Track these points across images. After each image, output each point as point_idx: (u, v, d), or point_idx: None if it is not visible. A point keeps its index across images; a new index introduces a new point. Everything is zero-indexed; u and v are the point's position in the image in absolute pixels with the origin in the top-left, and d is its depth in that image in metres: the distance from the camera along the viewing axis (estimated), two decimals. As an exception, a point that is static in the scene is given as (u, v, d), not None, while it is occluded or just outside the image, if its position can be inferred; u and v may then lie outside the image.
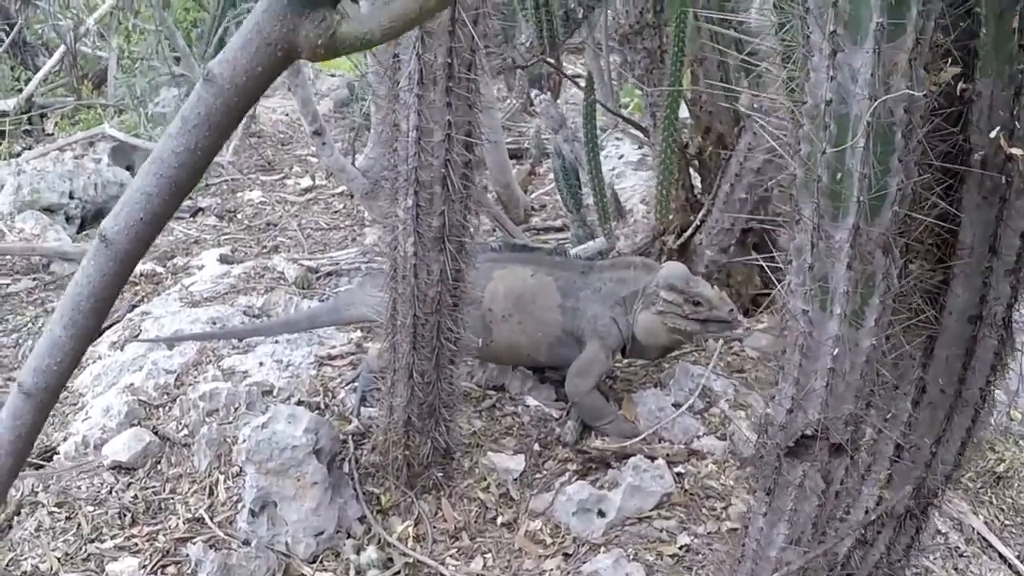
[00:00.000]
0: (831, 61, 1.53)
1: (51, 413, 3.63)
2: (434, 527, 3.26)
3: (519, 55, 4.66)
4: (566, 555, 3.14)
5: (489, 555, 3.16)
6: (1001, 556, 3.37)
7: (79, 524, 3.27)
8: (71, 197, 6.34)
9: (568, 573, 3.05)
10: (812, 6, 1.53)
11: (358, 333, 4.29)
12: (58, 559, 3.13)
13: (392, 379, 3.22)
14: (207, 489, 3.39)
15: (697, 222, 4.34)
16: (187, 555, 3.09)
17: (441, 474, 3.39)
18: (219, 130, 1.17)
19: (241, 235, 6.06)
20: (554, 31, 4.41)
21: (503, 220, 5.23)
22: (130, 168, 7.07)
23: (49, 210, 6.19)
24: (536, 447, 3.57)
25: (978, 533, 3.43)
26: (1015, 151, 1.69)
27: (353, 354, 4.13)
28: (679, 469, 3.43)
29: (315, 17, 1.10)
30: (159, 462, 3.53)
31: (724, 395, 3.80)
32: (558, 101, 5.44)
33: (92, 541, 3.21)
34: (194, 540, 3.16)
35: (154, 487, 3.43)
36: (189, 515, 3.29)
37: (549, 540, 3.20)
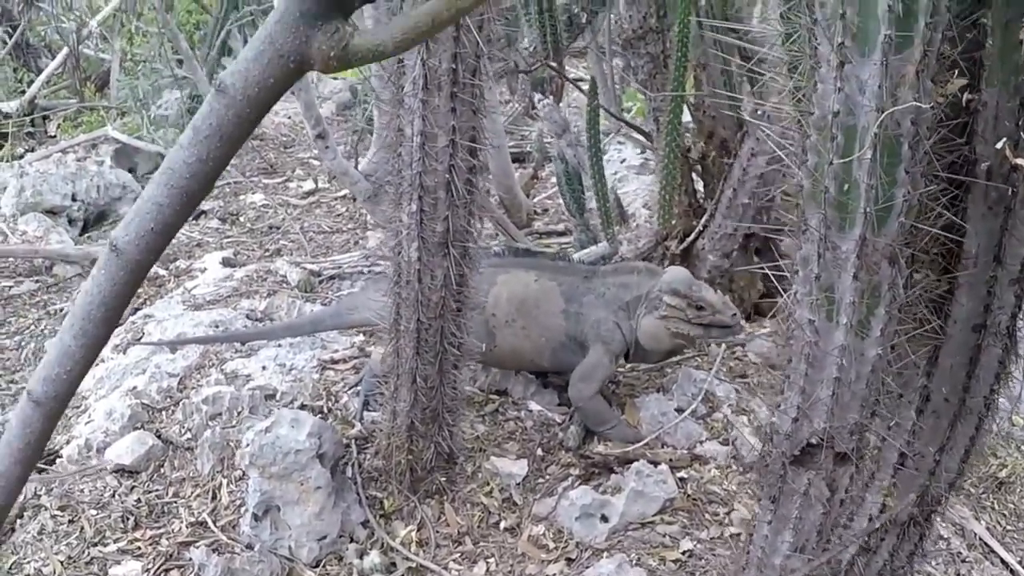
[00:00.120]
0: (839, 72, 1.53)
1: (55, 417, 3.63)
2: (437, 532, 3.26)
3: (522, 59, 4.66)
4: (569, 560, 3.14)
5: (492, 560, 3.16)
6: (1003, 562, 3.37)
7: (82, 527, 3.27)
8: (74, 199, 6.34)
9: (571, 578, 3.05)
10: (820, 18, 1.54)
11: (360, 337, 4.29)
12: (61, 563, 3.13)
13: (395, 383, 3.22)
14: (210, 493, 3.39)
15: (700, 227, 4.35)
16: (190, 559, 3.09)
17: (444, 479, 3.39)
18: (231, 141, 1.18)
19: (243, 238, 6.06)
20: (558, 36, 4.42)
21: (506, 224, 5.23)
22: (132, 170, 7.08)
23: (52, 212, 6.18)
24: (539, 452, 3.58)
25: (980, 539, 3.43)
26: (1020, 161, 1.69)
27: (356, 358, 4.13)
28: (682, 474, 3.44)
29: (327, 29, 1.11)
30: (162, 466, 3.54)
31: (727, 400, 3.81)
32: (560, 105, 5.43)
33: (95, 545, 3.21)
34: (197, 544, 3.17)
35: (157, 491, 3.43)
36: (192, 519, 3.29)
37: (552, 545, 3.20)
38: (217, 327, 4.37)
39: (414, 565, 3.12)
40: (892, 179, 1.58)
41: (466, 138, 2.81)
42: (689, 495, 3.36)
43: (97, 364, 4.22)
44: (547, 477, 3.47)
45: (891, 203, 1.60)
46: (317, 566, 3.13)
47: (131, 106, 7.37)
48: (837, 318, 1.74)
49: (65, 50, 8.06)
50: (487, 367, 3.88)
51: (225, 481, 3.41)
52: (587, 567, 3.07)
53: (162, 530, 3.26)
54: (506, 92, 8.14)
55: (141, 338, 4.38)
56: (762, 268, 3.38)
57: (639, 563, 3.07)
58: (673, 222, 4.43)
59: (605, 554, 3.13)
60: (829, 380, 1.81)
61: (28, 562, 3.15)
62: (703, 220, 4.35)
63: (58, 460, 3.62)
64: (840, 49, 1.52)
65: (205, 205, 6.66)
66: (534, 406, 3.81)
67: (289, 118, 8.78)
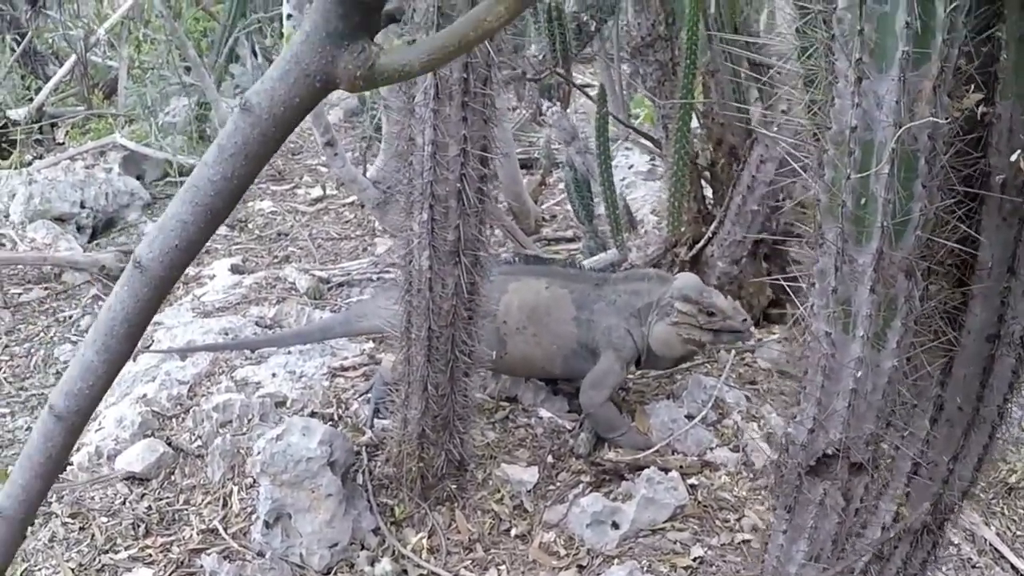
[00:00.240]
0: (857, 88, 1.54)
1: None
2: (448, 539, 3.27)
3: (530, 66, 4.67)
4: (580, 567, 3.15)
5: (503, 567, 3.17)
6: (1013, 567, 3.36)
7: (93, 535, 3.28)
8: (82, 206, 6.35)
9: (582, 585, 3.06)
10: (838, 33, 1.55)
11: (370, 344, 4.30)
12: (72, 570, 3.14)
13: (406, 391, 3.23)
14: (221, 500, 3.40)
15: (709, 234, 4.35)
16: (201, 566, 3.10)
17: (455, 486, 3.40)
18: (255, 159, 1.19)
19: (252, 245, 6.07)
20: (567, 43, 4.43)
21: (514, 231, 5.24)
22: (140, 178, 7.10)
23: (60, 219, 6.19)
24: (550, 459, 3.59)
25: (990, 544, 3.43)
26: (1034, 173, 1.70)
27: (366, 365, 4.14)
28: (692, 481, 3.45)
29: (354, 49, 1.12)
30: (173, 473, 3.55)
31: (737, 407, 3.81)
32: (568, 111, 5.44)
33: (106, 552, 3.22)
34: (208, 551, 3.18)
35: (168, 498, 3.44)
36: (203, 526, 3.30)
37: (563, 552, 3.21)
38: (226, 334, 4.38)
39: (425, 572, 3.13)
40: (909, 193, 1.59)
41: (477, 147, 2.81)
42: (700, 502, 3.37)
43: (107, 371, 4.23)
44: (558, 484, 3.47)
45: (908, 217, 1.60)
46: (328, 573, 3.13)
47: (139, 113, 7.38)
48: (854, 331, 1.75)
49: (73, 57, 8.08)
50: (497, 374, 3.88)
51: (236, 488, 3.42)
52: (598, 574, 3.08)
53: (173, 537, 3.27)
54: (514, 99, 8.14)
55: (151, 346, 4.40)
56: (777, 279, 3.38)
57: (650, 570, 3.07)
58: (682, 229, 4.43)
59: (616, 561, 3.14)
60: (845, 392, 1.82)
61: (39, 569, 3.16)
62: (712, 227, 4.35)
63: (69, 468, 3.63)
64: (858, 65, 1.52)
65: (212, 211, 6.65)
66: (544, 413, 3.82)
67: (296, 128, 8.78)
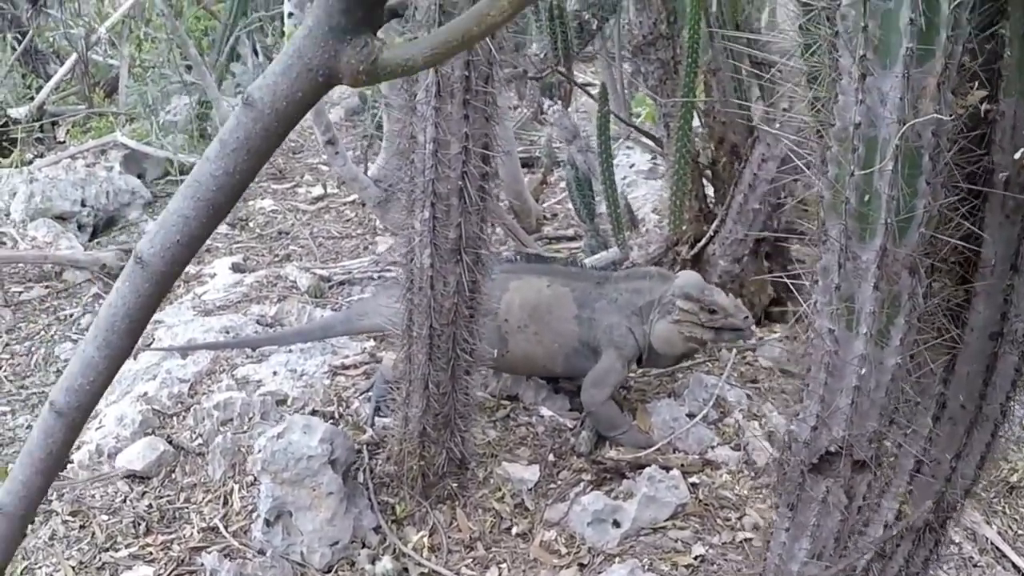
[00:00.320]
0: (860, 84, 1.54)
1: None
2: (449, 537, 3.26)
3: (532, 64, 4.66)
4: (581, 565, 3.14)
5: (504, 565, 3.16)
6: (1015, 566, 3.36)
7: (93, 533, 3.28)
8: (83, 205, 6.35)
9: (583, 584, 3.06)
10: (841, 30, 1.54)
11: (371, 343, 4.29)
12: (72, 568, 3.14)
13: (408, 390, 3.22)
14: (222, 498, 3.40)
15: (711, 232, 4.35)
16: (202, 564, 3.10)
17: (456, 484, 3.39)
18: (258, 155, 1.18)
19: (253, 244, 6.06)
20: (568, 42, 4.43)
21: (515, 230, 5.24)
22: (141, 176, 7.10)
23: (61, 218, 6.19)
24: (551, 457, 3.58)
25: (992, 543, 3.43)
26: (1038, 170, 1.70)
27: (367, 364, 4.14)
28: (694, 479, 3.44)
29: (357, 43, 1.11)
30: (173, 471, 3.54)
31: (738, 405, 3.81)
32: (569, 110, 5.44)
33: (106, 550, 3.22)
34: (209, 549, 3.17)
35: (168, 496, 3.44)
36: (204, 524, 3.30)
37: (564, 550, 3.21)
38: (227, 333, 4.37)
39: (426, 571, 3.12)
40: (913, 190, 1.58)
41: (479, 145, 2.81)
42: (701, 500, 3.36)
43: (108, 370, 4.22)
44: (559, 482, 3.47)
45: (912, 214, 1.60)
46: (329, 572, 3.13)
47: (140, 112, 7.38)
48: (857, 328, 1.75)
49: (74, 56, 8.07)
50: (499, 373, 3.88)
51: (237, 487, 3.42)
52: (599, 572, 3.07)
53: (173, 535, 3.27)
54: (515, 98, 8.14)
55: (151, 344, 4.39)
56: (780, 276, 3.38)
57: (651, 568, 3.07)
58: (684, 227, 4.43)
59: (617, 559, 3.13)
60: (849, 389, 1.81)
61: (39, 567, 3.16)
62: (714, 225, 4.35)
63: (69, 466, 3.62)
64: (862, 61, 1.52)
65: (213, 210, 6.65)
66: (545, 411, 3.82)
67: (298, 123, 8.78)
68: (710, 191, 4.58)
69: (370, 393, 3.81)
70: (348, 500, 3.22)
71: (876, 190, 1.59)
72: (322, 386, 3.95)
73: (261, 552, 3.15)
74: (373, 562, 3.14)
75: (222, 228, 6.36)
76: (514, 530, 3.30)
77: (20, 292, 5.54)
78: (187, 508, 3.38)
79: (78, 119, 7.93)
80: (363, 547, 3.23)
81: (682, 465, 3.47)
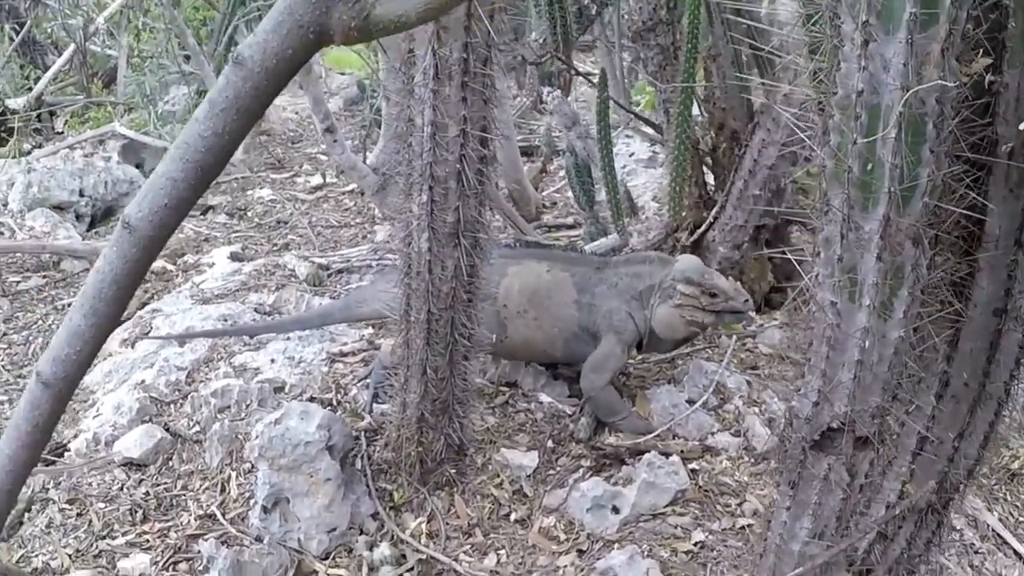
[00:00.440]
0: (863, 51, 1.51)
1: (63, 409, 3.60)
2: (447, 523, 3.24)
3: (531, 51, 4.64)
4: (580, 551, 3.12)
5: (503, 551, 3.14)
6: (1016, 553, 3.35)
7: (90, 521, 3.26)
8: (81, 195, 6.35)
9: (582, 569, 3.03)
10: (844, -4, 1.52)
11: (370, 330, 4.28)
12: (69, 556, 3.12)
13: (405, 375, 3.20)
14: (219, 486, 3.38)
15: (710, 219, 4.33)
16: (199, 551, 3.07)
17: (454, 470, 3.37)
18: (248, 114, 1.16)
19: (251, 233, 6.05)
20: (567, 28, 4.40)
21: (515, 218, 5.22)
22: (140, 166, 7.08)
23: (59, 208, 6.19)
24: (550, 443, 3.56)
25: (993, 530, 3.42)
26: (1042, 142, 1.67)
27: (365, 351, 4.12)
28: (693, 465, 3.42)
29: (348, -1, 1.09)
30: (170, 459, 3.52)
31: (738, 391, 3.79)
32: (569, 99, 5.42)
33: (103, 538, 3.20)
34: (206, 536, 3.15)
35: (166, 484, 3.42)
36: (201, 512, 3.28)
37: (563, 536, 3.19)
38: (225, 321, 4.36)
39: (424, 557, 3.10)
40: (917, 158, 1.56)
41: (477, 128, 2.79)
42: (701, 486, 3.34)
43: (105, 358, 4.22)
44: (558, 469, 3.45)
45: (915, 183, 1.57)
46: (327, 558, 3.11)
47: (138, 102, 7.38)
48: (860, 300, 1.72)
49: (72, 47, 8.06)
50: (497, 359, 3.86)
51: (234, 474, 3.40)
52: (598, 559, 3.05)
53: (171, 523, 3.25)
54: (514, 86, 8.12)
55: (149, 332, 4.37)
56: (782, 252, 3.35)
57: (651, 554, 3.05)
58: (684, 214, 4.41)
59: (616, 545, 3.11)
60: (851, 363, 1.79)
61: (36, 555, 3.14)
62: (713, 212, 4.33)
63: (66, 453, 3.61)
64: (865, 27, 1.50)
65: (213, 200, 6.66)
66: (544, 398, 3.80)
67: (296, 113, 8.78)
68: (710, 178, 4.56)
69: (368, 380, 3.79)
70: (346, 486, 3.20)
71: (879, 158, 1.57)
72: (320, 373, 3.93)
73: (258, 539, 3.13)
74: (371, 548, 3.12)
75: (221, 218, 6.36)
76: (513, 516, 3.28)
77: (18, 282, 5.53)
78: (184, 495, 3.36)
79: (76, 109, 7.92)
80: (361, 533, 3.21)
81: (682, 451, 3.45)
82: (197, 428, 3.64)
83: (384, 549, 3.10)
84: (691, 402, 3.69)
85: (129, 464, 3.49)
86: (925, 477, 2.16)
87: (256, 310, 4.52)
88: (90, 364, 1.41)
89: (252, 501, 3.23)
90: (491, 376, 3.88)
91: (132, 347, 4.27)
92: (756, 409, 3.71)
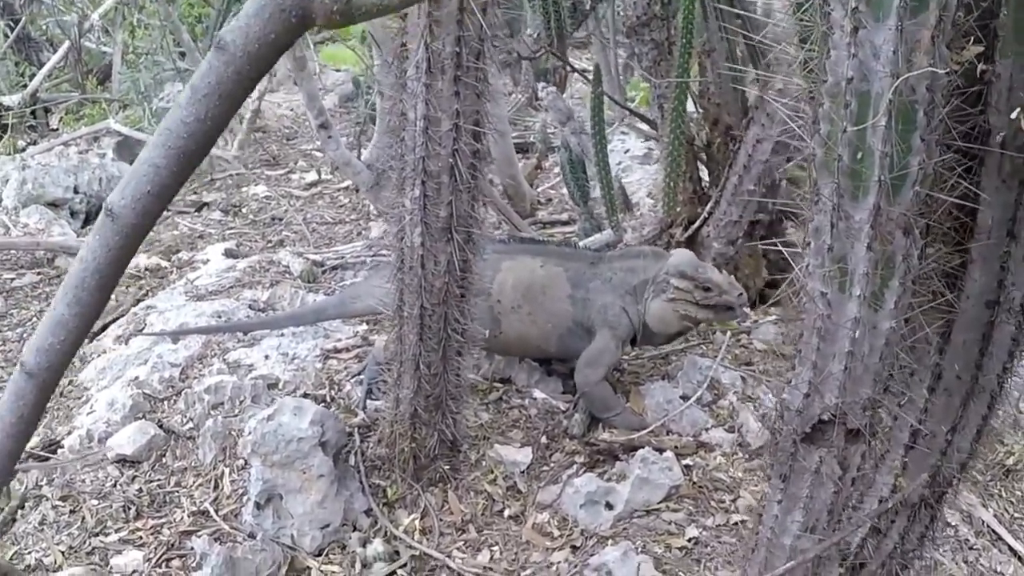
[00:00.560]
0: (853, 38, 1.50)
1: (55, 407, 3.59)
2: (441, 520, 3.23)
3: (526, 46, 4.64)
4: (574, 547, 3.11)
5: (496, 548, 3.13)
6: (1011, 549, 3.35)
7: (83, 517, 3.25)
8: (76, 192, 6.34)
9: (576, 566, 3.02)
10: (833, -19, 1.51)
11: (364, 326, 4.27)
12: (62, 552, 3.11)
13: (399, 371, 3.19)
14: (212, 482, 3.37)
15: (705, 214, 4.32)
16: (192, 548, 3.07)
17: (448, 467, 3.36)
18: (230, 99, 1.15)
19: (246, 229, 6.04)
20: (562, 23, 4.39)
21: (509, 214, 5.21)
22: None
23: (54, 205, 6.19)
24: (543, 439, 3.55)
25: (987, 526, 3.42)
26: (1035, 132, 1.66)
27: (359, 347, 4.11)
28: (687, 461, 3.42)
29: (330, -18, 1.08)
30: (164, 455, 3.51)
31: (732, 387, 3.78)
32: (564, 95, 5.41)
33: (96, 534, 3.19)
34: (199, 533, 3.14)
35: (159, 480, 3.41)
36: (194, 508, 3.27)
37: (557, 532, 3.18)
38: (219, 317, 4.35)
39: (417, 553, 3.09)
40: (907, 146, 1.54)
41: (470, 122, 2.78)
42: (694, 482, 3.33)
43: (99, 355, 4.20)
44: (551, 465, 3.44)
45: (906, 171, 1.56)
46: (320, 555, 3.10)
47: (133, 99, 7.36)
48: (850, 289, 1.71)
49: (67, 43, 8.05)
50: (490, 354, 3.85)
51: (227, 470, 3.39)
52: (592, 554, 3.04)
53: (164, 520, 3.24)
54: (509, 83, 8.12)
55: (143, 329, 4.36)
56: (775, 244, 3.35)
57: (644, 550, 3.04)
58: (678, 209, 4.41)
59: (610, 541, 3.10)
60: (842, 354, 1.77)
61: (29, 552, 3.13)
62: (708, 207, 4.32)
63: (59, 450, 3.60)
64: (854, 14, 1.48)
65: (207, 197, 6.66)
66: (538, 394, 3.79)
67: (292, 110, 8.77)
68: (705, 173, 4.56)
69: (362, 376, 3.78)
70: (339, 483, 3.19)
71: (869, 147, 1.56)
72: (314, 369, 3.92)
73: (251, 535, 3.12)
74: (364, 545, 3.11)
75: (215, 214, 6.35)
76: (506, 512, 3.27)
77: (12, 279, 5.52)
78: (177, 492, 3.35)
79: (71, 106, 7.91)
80: (354, 530, 3.20)
81: (676, 447, 3.44)
82: (190, 424, 3.63)
83: (377, 545, 3.09)
84: (685, 398, 3.69)
85: (122, 461, 3.48)
86: (918, 471, 2.15)
87: (250, 306, 4.51)
88: (74, 354, 1.40)
89: (245, 497, 3.22)
90: (485, 372, 3.87)
91: (126, 343, 4.25)
92: (750, 405, 3.70)
